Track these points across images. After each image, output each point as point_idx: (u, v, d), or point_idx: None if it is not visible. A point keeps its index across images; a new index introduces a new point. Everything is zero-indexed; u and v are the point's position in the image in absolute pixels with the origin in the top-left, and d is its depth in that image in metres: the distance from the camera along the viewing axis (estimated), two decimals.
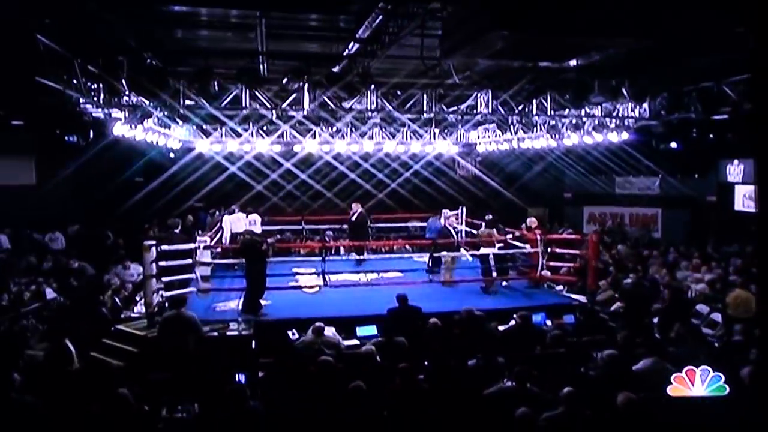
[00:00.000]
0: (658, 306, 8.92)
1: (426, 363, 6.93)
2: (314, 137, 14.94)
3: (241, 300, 9.13)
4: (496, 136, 14.22)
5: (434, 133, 15.73)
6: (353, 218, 13.74)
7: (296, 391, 5.85)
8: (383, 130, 14.96)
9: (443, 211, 13.45)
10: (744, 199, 16.34)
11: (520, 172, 19.11)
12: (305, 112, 8.58)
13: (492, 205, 16.50)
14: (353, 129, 14.86)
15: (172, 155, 14.78)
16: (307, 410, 5.38)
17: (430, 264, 11.82)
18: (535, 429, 5.10)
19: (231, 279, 10.65)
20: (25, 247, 14.87)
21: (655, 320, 8.58)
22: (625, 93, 7.57)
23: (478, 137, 16.05)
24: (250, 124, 13.39)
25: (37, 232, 15.92)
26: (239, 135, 14.72)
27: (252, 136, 14.76)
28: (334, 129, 14.47)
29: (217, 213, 12.57)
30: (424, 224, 14.89)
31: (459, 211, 14.72)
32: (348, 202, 15.36)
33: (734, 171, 16.94)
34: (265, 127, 14.60)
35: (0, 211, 15.71)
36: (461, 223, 14.36)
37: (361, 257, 13.32)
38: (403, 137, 15.87)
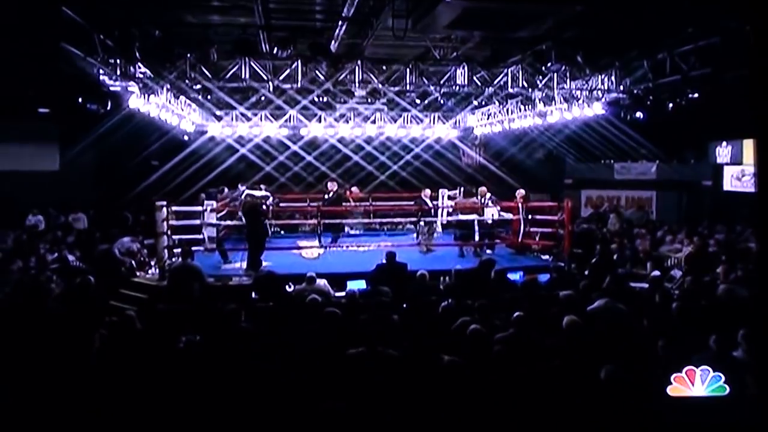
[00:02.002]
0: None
1: (404, 305, 7.75)
2: (319, 121, 15.89)
3: (245, 259, 10.04)
4: (488, 118, 15.01)
5: (434, 118, 16.59)
6: (327, 197, 13.60)
7: (284, 320, 6.70)
8: (385, 113, 15.83)
9: (441, 190, 14.35)
10: (732, 179, 16.91)
11: (524, 161, 19.91)
12: (299, 84, 9.42)
13: (495, 190, 17.27)
14: (357, 114, 15.79)
15: (186, 138, 15.72)
16: (292, 333, 6.22)
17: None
18: (486, 346, 5.87)
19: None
20: (51, 225, 15.97)
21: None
22: (579, 60, 8.31)
23: (478, 120, 16.87)
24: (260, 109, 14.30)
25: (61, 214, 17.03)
26: (249, 119, 15.70)
27: (261, 120, 15.73)
28: (338, 114, 15.40)
29: (226, 190, 13.46)
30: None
31: (458, 192, 15.51)
32: (351, 182, 16.24)
33: (723, 152, 17.55)
34: (273, 112, 15.60)
35: (27, 194, 16.79)
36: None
37: (337, 235, 13.31)
38: (404, 122, 16.76)
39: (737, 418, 4.17)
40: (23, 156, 18.51)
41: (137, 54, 7.41)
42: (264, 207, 10.53)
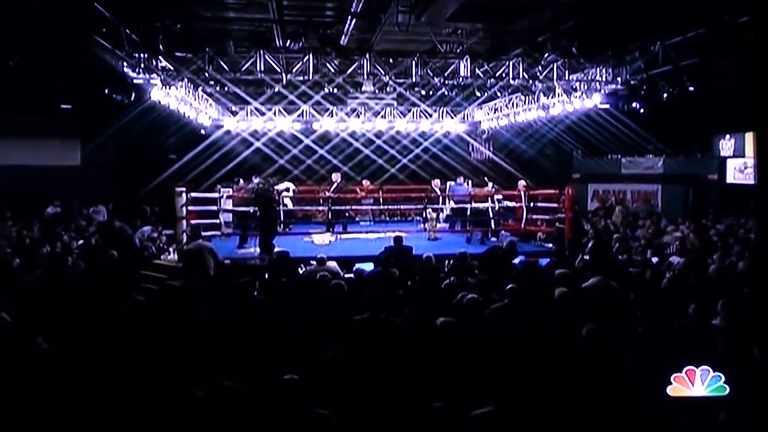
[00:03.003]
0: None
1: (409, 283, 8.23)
2: (331, 116, 16.40)
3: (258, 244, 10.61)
4: (495, 113, 15.46)
5: (442, 112, 17.04)
6: (332, 188, 14.10)
7: (295, 292, 7.20)
8: (394, 108, 16.31)
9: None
10: (735, 171, 17.20)
11: (533, 156, 20.31)
12: (310, 77, 9.93)
13: (504, 184, 17.71)
14: (367, 109, 16.29)
15: (202, 132, 16.30)
16: (302, 302, 6.71)
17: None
18: (480, 313, 6.32)
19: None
20: (74, 216, 16.64)
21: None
22: (575, 51, 8.73)
23: (485, 115, 17.31)
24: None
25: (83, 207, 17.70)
26: (263, 114, 16.25)
27: (275, 114, 16.27)
28: (350, 108, 15.91)
29: (241, 181, 14.02)
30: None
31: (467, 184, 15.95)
32: (362, 176, 16.75)
33: (726, 146, 17.86)
34: (286, 107, 16.12)
35: (50, 188, 17.48)
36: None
37: (345, 222, 13.63)
38: (413, 116, 17.24)
39: (737, 418, 4.16)
40: (46, 151, 19.32)
41: (161, 47, 7.93)
42: (275, 195, 11.06)
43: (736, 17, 7.64)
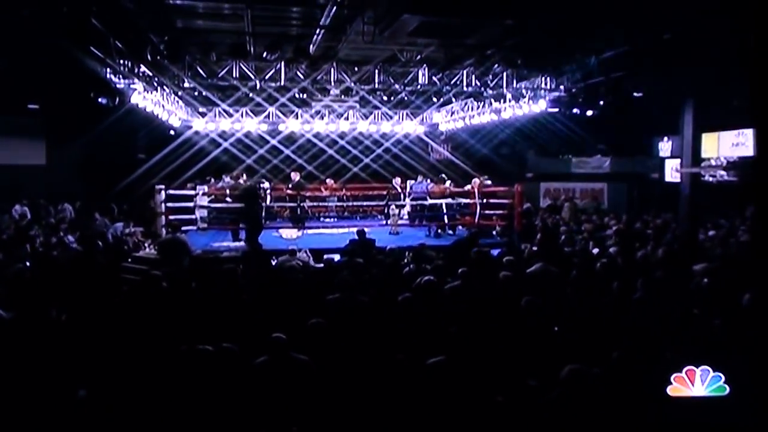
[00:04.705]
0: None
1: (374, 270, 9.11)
2: (297, 117, 17.16)
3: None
4: (452, 115, 16.51)
5: (402, 115, 18.00)
6: (290, 186, 14.90)
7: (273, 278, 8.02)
8: (357, 111, 17.18)
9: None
10: (672, 171, 18.65)
11: (489, 156, 21.43)
12: (282, 83, 10.74)
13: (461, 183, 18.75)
14: (331, 111, 17.11)
15: (172, 132, 16.85)
16: (280, 286, 7.54)
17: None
18: (438, 295, 7.25)
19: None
20: (42, 215, 16.93)
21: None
22: (520, 63, 9.79)
23: (443, 117, 18.34)
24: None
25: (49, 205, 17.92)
26: (231, 115, 16.91)
27: (242, 116, 16.95)
28: (314, 110, 16.70)
29: (212, 180, 14.69)
30: None
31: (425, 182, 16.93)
32: (326, 175, 17.60)
33: (665, 147, 19.32)
34: (253, 109, 16.80)
35: (14, 187, 17.65)
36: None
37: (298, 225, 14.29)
38: (375, 118, 18.14)
39: (737, 418, 4.21)
40: (10, 150, 19.39)
41: (148, 57, 8.62)
42: (261, 192, 11.86)
43: (660, 35, 8.79)
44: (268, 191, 13.35)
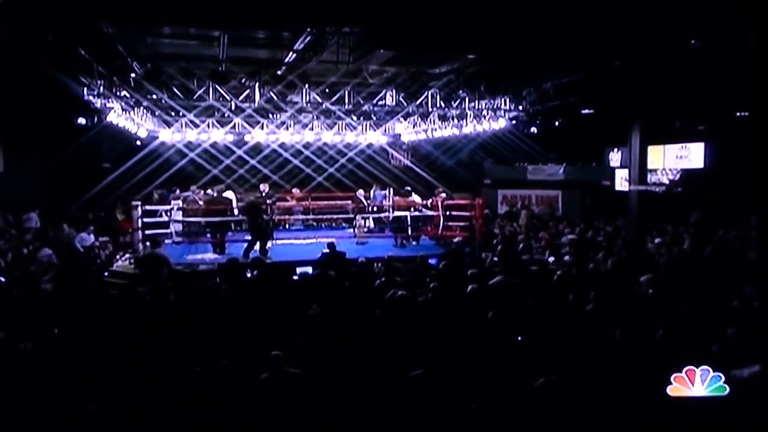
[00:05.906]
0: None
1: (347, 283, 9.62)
2: (262, 128, 17.49)
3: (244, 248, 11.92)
4: (414, 127, 17.17)
5: (366, 126, 18.54)
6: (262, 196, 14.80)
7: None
8: (321, 121, 17.63)
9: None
10: (622, 180, 19.72)
11: (448, 164, 22.18)
12: (256, 105, 11.16)
13: (421, 191, 19.39)
14: (296, 121, 17.51)
15: (138, 143, 16.97)
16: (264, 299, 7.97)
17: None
18: (410, 308, 7.80)
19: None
20: (4, 224, 16.77)
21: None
22: (482, 88, 10.51)
23: (405, 128, 18.97)
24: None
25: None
26: (197, 126, 17.12)
27: (208, 127, 17.18)
28: (280, 121, 17.07)
29: (177, 191, 14.88)
30: None
31: (388, 191, 17.50)
32: (291, 184, 18.03)
33: (615, 157, 20.42)
34: (219, 119, 17.06)
35: None
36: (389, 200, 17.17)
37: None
38: (339, 129, 18.62)
39: (737, 418, 4.22)
40: None
41: (131, 82, 8.95)
42: (265, 206, 12.28)
43: (611, 63, 9.59)
44: (272, 204, 13.67)
